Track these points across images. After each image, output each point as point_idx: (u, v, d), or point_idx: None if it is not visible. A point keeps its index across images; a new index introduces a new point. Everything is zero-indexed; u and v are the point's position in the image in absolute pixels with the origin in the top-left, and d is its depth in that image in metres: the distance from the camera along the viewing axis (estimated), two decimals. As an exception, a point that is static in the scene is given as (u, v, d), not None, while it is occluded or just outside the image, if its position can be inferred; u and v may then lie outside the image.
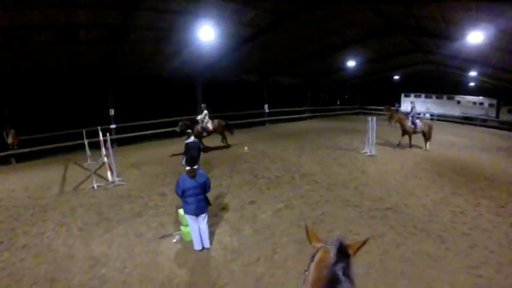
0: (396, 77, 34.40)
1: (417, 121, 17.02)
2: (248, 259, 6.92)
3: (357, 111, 37.91)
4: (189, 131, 11.34)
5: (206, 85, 23.07)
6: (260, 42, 17.82)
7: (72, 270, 6.69)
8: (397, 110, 20.18)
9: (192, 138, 10.97)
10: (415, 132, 16.98)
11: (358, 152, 16.19)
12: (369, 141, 15.84)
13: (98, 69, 17.82)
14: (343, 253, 1.93)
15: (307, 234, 2.47)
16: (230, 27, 15.27)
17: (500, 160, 16.53)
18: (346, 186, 11.21)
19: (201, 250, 7.24)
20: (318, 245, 2.26)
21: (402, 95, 36.17)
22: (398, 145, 17.15)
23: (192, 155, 10.22)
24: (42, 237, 8.35)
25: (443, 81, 33.75)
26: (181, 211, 7.45)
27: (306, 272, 2.18)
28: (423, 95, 35.31)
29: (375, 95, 37.89)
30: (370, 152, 15.65)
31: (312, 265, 2.09)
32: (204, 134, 15.99)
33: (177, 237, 7.80)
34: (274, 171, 13.07)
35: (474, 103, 32.43)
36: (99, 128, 13.42)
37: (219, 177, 12.50)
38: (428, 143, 17.34)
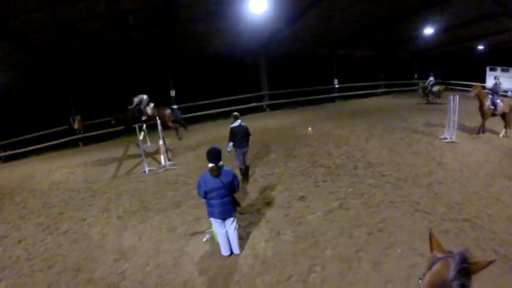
0: (481, 47, 29.68)
1: (498, 101, 13.41)
2: (278, 275, 5.74)
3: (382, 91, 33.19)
4: (236, 113, 9.86)
5: (270, 60, 21.58)
6: (322, 9, 15.89)
7: (98, 262, 6.51)
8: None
9: (238, 122, 9.43)
10: (494, 114, 13.48)
11: (436, 137, 13.66)
12: (449, 125, 13.23)
13: (154, 53, 17.94)
14: (464, 270, 1.74)
15: (430, 240, 2.27)
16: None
17: None
18: (418, 184, 9.25)
19: (229, 256, 6.30)
20: (439, 254, 2.07)
21: (487, 69, 30.15)
22: (480, 131, 13.85)
23: (238, 140, 9.12)
24: (83, 224, 8.36)
25: None
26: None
27: (420, 281, 2.00)
28: None
29: (456, 68, 33.36)
30: (451, 138, 13.10)
31: (428, 276, 1.92)
32: (143, 118, 13.49)
33: (208, 236, 6.92)
34: (336, 158, 11.49)
35: None
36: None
37: (273, 163, 11.31)
38: (507, 128, 13.66)
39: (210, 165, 5.68)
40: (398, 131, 14.82)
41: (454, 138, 13.02)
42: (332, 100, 24.69)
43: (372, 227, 7.08)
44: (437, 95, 22.93)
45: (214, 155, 5.64)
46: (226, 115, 18.99)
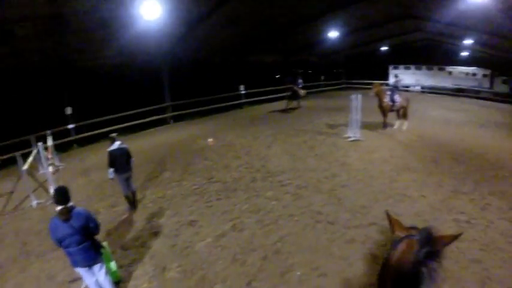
0: (384, 48, 31.59)
1: (396, 96, 14.15)
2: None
3: (343, 86, 34.72)
4: (113, 135, 8.32)
5: (176, 69, 20.12)
6: (226, 13, 14.89)
7: None
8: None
9: (117, 144, 7.87)
10: (392, 110, 14.24)
11: (340, 137, 13.53)
12: (352, 124, 13.15)
13: (46, 67, 15.44)
14: (432, 247, 1.67)
15: (390, 222, 2.12)
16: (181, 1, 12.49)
17: (502, 139, 14.23)
18: (320, 190, 8.64)
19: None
20: (402, 234, 1.96)
21: (390, 68, 33.14)
22: (385, 127, 14.50)
23: (119, 164, 7.76)
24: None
25: (434, 52, 31.75)
26: (105, 243, 5.54)
27: (385, 264, 1.88)
28: (413, 67, 32.50)
29: (361, 68, 34.98)
30: (354, 137, 13.00)
31: (393, 258, 1.79)
32: None
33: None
34: (233, 170, 10.47)
35: (467, 74, 30.04)
36: (48, 132, 12.56)
37: (166, 183, 9.96)
38: (406, 122, 14.66)
39: (58, 208, 4.31)
40: (302, 134, 14.38)
41: (358, 136, 12.88)
42: (240, 106, 23.86)
43: (268, 249, 6.11)
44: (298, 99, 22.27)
45: (60, 195, 4.38)
46: (128, 131, 17.22)
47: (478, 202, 7.94)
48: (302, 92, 21.11)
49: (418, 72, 32.45)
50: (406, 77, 32.01)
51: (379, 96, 13.93)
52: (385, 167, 9.98)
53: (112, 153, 7.74)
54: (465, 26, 18.72)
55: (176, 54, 18.97)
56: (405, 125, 14.70)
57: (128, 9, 11.80)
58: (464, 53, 30.18)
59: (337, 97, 27.21)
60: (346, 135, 13.27)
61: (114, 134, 8.27)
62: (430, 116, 18.50)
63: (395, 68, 32.81)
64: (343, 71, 35.18)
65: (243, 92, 23.57)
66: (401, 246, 1.86)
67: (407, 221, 6.44)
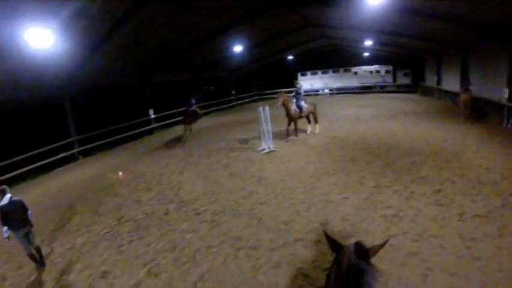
0: (291, 57, 32.45)
1: (302, 103, 14.25)
2: None
3: (255, 98, 34.80)
4: (3, 187, 6.73)
5: (80, 100, 18.09)
6: (125, 37, 13.55)
7: None
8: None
9: (7, 197, 6.34)
10: (301, 116, 14.28)
11: (254, 150, 12.95)
12: (264, 135, 12.69)
13: None
14: (364, 255, 1.86)
15: (328, 241, 2.20)
16: (72, 24, 11.00)
17: (412, 126, 15.06)
18: (238, 212, 7.81)
19: None
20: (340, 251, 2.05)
21: (299, 75, 34.69)
22: (288, 136, 14.26)
23: (13, 220, 6.34)
24: None
25: (339, 55, 33.55)
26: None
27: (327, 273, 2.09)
28: (320, 72, 34.46)
29: (271, 78, 35.57)
30: (269, 148, 12.56)
31: (333, 272, 1.97)
32: None
33: None
34: (145, 204, 9.21)
35: (371, 72, 32.98)
36: None
37: (75, 230, 8.38)
38: (317, 125, 15.06)
39: None
40: (214, 153, 13.49)
41: (272, 147, 12.42)
42: (151, 132, 22.22)
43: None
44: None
45: None
46: (34, 173, 14.81)
47: (402, 192, 7.82)
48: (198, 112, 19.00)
49: (325, 76, 34.32)
50: (314, 81, 34.36)
51: (285, 105, 13.77)
52: (303, 175, 9.54)
53: (2, 210, 6.24)
54: (365, 28, 19.49)
55: (78, 83, 17.07)
56: (317, 128, 14.98)
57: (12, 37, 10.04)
58: (367, 54, 32.28)
59: (248, 110, 26.82)
60: (260, 148, 12.75)
61: (3, 187, 6.68)
62: (341, 116, 19.01)
63: (304, 74, 34.54)
64: (254, 83, 35.33)
65: (152, 116, 22.10)
66: (340, 260, 1.93)
67: (334, 228, 5.97)
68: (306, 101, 14.43)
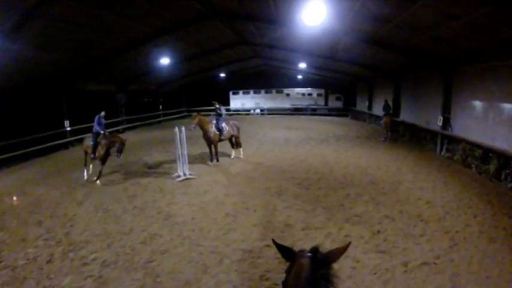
0: (223, 75, 31.43)
1: (223, 125, 12.75)
2: None
3: (184, 114, 32.82)
4: None
5: None
6: (31, 38, 11.13)
7: None
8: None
9: None
10: (221, 140, 12.72)
11: (169, 177, 10.98)
12: (180, 160, 10.79)
13: None
14: (322, 262, 1.78)
15: (279, 249, 2.06)
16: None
17: (344, 152, 14.34)
18: (133, 264, 5.80)
19: None
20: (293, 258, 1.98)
21: (230, 93, 34.21)
22: (212, 160, 12.70)
23: None
24: None
25: (272, 76, 33.85)
26: None
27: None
28: (252, 91, 34.20)
29: (202, 95, 34.21)
30: (185, 175, 10.72)
31: (289, 281, 1.86)
32: None
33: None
34: (30, 245, 6.61)
35: (303, 94, 33.57)
36: None
37: None
38: (241, 149, 13.53)
39: None
40: (124, 179, 11.17)
41: (188, 174, 10.60)
42: (66, 146, 19.07)
43: None
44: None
45: None
46: None
47: (336, 236, 6.52)
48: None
49: (257, 95, 34.06)
50: (246, 101, 33.94)
51: (202, 126, 12.17)
52: (219, 212, 7.83)
53: None
54: (300, 50, 19.21)
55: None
56: (241, 153, 13.47)
57: None
58: (300, 76, 32.71)
59: (175, 127, 24.58)
60: (176, 174, 10.83)
61: None
62: (270, 138, 17.90)
63: (236, 93, 34.12)
64: (184, 99, 33.68)
65: (68, 128, 19.03)
66: (296, 269, 1.84)
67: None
68: (228, 123, 12.89)
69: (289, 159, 12.94)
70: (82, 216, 8.08)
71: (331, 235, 6.47)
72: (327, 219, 7.20)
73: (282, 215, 7.50)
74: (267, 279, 5.17)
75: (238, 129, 13.17)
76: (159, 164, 12.90)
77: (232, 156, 13.33)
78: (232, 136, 13.03)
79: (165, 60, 18.34)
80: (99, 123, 10.75)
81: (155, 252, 6.12)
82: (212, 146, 12.50)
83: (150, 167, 12.53)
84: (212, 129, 12.22)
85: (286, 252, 2.02)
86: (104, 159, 10.63)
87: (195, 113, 12.84)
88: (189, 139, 12.06)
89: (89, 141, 10.88)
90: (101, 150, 10.48)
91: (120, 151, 10.45)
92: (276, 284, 5.01)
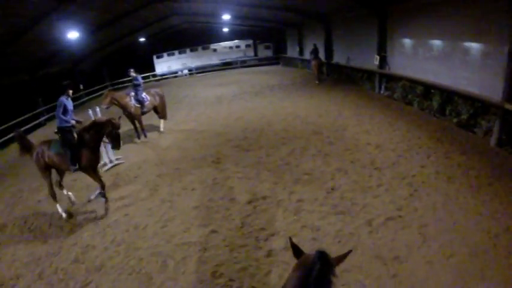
0: (144, 39, 28.78)
1: (143, 95, 11.12)
2: None
3: (109, 89, 29.79)
4: None
5: None
6: None
7: None
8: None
9: None
10: (144, 113, 11.12)
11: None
12: (103, 146, 8.53)
13: None
14: (325, 261, 1.71)
15: (293, 248, 1.99)
16: None
17: (280, 103, 13.59)
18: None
19: None
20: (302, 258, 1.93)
21: (154, 57, 31.46)
22: (139, 136, 11.05)
23: None
24: None
25: (195, 33, 31.92)
26: None
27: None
28: (177, 52, 31.75)
29: (125, 64, 31.36)
30: (111, 163, 9.06)
31: (292, 277, 1.81)
32: None
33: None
34: None
35: (231, 47, 32.08)
36: None
37: None
38: (163, 121, 11.85)
39: None
40: (41, 183, 8.89)
41: (115, 160, 9.06)
42: None
43: None
44: None
45: None
46: None
47: (288, 203, 5.81)
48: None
49: (183, 56, 31.95)
50: (171, 63, 31.69)
51: (119, 103, 10.51)
52: (153, 200, 6.55)
53: None
54: (218, 1, 17.95)
55: None
56: (161, 127, 11.71)
57: None
58: (226, 29, 31.29)
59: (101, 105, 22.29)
60: (102, 163, 9.00)
61: None
62: (201, 99, 16.67)
63: (160, 57, 31.64)
64: (106, 73, 30.66)
65: None
66: (300, 260, 1.86)
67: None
68: (149, 93, 11.34)
69: (224, 119, 11.92)
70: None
71: (282, 204, 5.68)
72: (274, 184, 6.41)
73: (224, 189, 6.55)
74: (220, 275, 4.26)
75: (161, 97, 11.59)
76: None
77: (161, 129, 11.66)
78: (155, 107, 11.44)
79: (74, 34, 15.91)
80: (64, 110, 6.66)
81: (90, 270, 4.80)
82: (136, 121, 10.88)
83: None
84: (131, 103, 10.57)
85: (297, 251, 1.99)
86: (94, 165, 6.59)
87: (106, 90, 11.07)
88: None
89: (54, 148, 6.48)
90: (86, 153, 6.40)
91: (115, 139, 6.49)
92: (232, 280, 4.16)
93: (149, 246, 5.12)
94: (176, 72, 31.71)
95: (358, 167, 6.83)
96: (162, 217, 5.87)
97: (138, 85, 10.81)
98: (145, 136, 11.04)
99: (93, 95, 26.56)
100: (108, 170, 8.72)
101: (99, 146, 6.65)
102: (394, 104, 11.67)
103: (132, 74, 10.98)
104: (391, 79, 12.50)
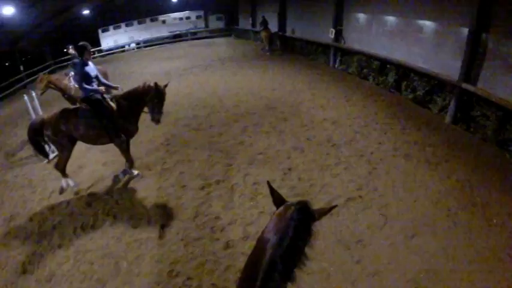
0: (87, 12, 26.68)
1: None
2: None
3: (52, 68, 27.41)
4: None
5: None
6: None
7: None
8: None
9: None
10: None
11: (36, 160, 7.84)
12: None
13: None
14: (307, 213, 1.65)
15: (271, 192, 1.86)
16: None
17: (232, 76, 13.02)
18: None
19: None
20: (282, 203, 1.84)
21: (100, 32, 29.22)
22: None
23: None
24: None
25: (142, 4, 30.21)
26: None
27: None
28: (123, 25, 29.82)
29: (70, 41, 29.09)
30: (53, 153, 7.64)
31: (273, 218, 1.71)
32: None
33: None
34: None
35: (181, 19, 30.67)
36: None
37: None
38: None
39: None
40: None
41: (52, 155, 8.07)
42: None
43: None
44: None
45: None
46: None
47: (244, 187, 5.43)
48: None
49: (130, 29, 30.14)
50: (118, 37, 29.86)
51: (57, 86, 9.36)
52: (99, 193, 5.80)
53: None
54: None
55: None
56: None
57: None
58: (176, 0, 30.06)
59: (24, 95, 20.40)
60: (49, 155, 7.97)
61: None
62: (148, 74, 15.39)
63: (105, 30, 29.58)
64: (49, 52, 28.25)
65: None
66: (280, 210, 1.70)
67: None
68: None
69: (172, 96, 10.83)
70: None
71: (237, 188, 5.32)
72: (228, 166, 6.01)
73: (174, 174, 6.01)
74: (177, 274, 3.85)
75: (104, 75, 10.23)
76: (25, 146, 9.17)
77: None
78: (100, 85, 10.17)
79: (9, 10, 14.26)
80: (85, 78, 5.66)
81: (41, 281, 4.17)
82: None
83: (13, 154, 8.86)
84: (71, 84, 9.35)
85: (278, 199, 1.83)
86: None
87: (41, 74, 9.88)
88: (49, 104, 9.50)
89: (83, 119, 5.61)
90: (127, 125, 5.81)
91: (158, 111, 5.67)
92: (190, 278, 3.77)
93: (99, 247, 4.51)
94: (123, 47, 29.90)
95: (314, 144, 6.59)
96: (109, 211, 5.21)
97: (76, 64, 9.66)
98: None
99: (35, 77, 24.50)
100: (50, 161, 7.36)
101: (139, 116, 5.91)
102: (349, 78, 11.52)
103: (72, 51, 9.81)
104: (347, 53, 12.29)
